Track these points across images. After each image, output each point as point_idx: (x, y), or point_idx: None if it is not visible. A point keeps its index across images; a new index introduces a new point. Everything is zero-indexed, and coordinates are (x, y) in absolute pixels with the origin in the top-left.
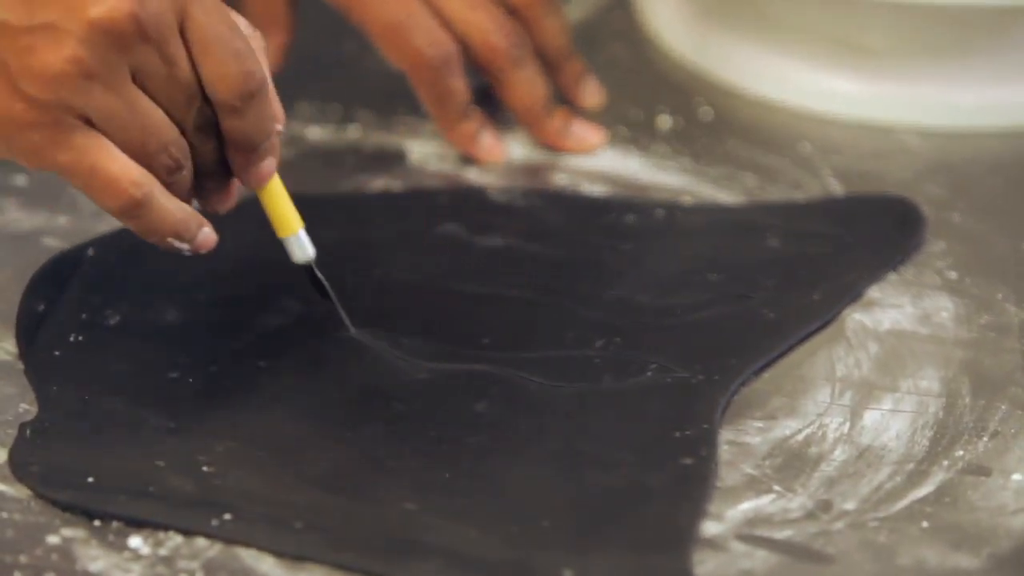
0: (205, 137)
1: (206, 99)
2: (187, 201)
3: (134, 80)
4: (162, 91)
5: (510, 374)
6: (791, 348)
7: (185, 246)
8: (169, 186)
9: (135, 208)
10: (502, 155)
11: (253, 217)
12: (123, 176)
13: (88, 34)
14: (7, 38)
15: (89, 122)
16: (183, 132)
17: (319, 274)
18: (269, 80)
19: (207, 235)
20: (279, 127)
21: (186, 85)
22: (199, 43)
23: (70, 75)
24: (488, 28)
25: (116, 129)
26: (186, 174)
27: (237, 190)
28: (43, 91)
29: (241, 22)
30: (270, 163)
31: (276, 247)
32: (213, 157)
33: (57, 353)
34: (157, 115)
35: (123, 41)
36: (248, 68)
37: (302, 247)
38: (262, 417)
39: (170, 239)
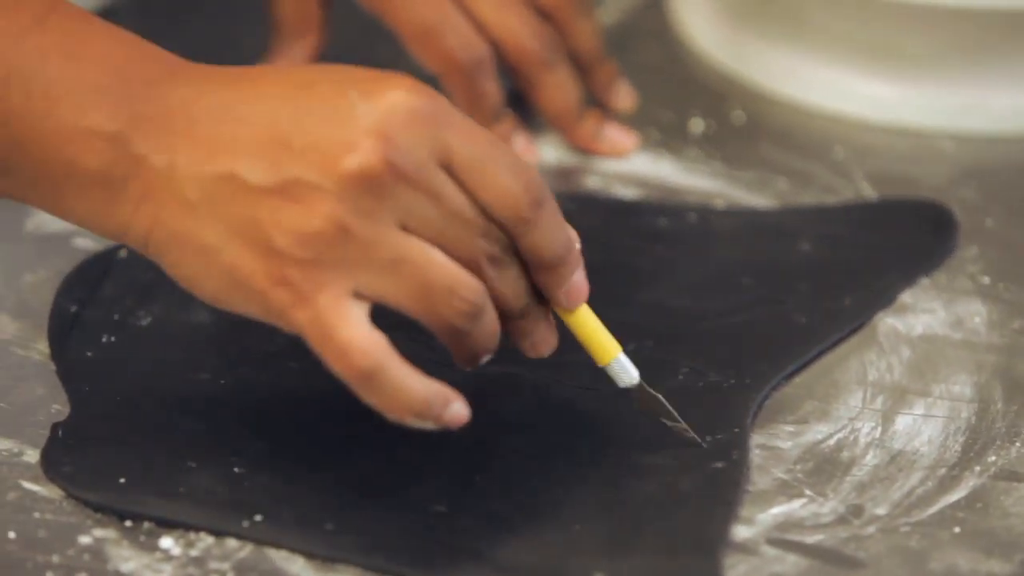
0: (502, 267)
1: (490, 226)
2: (495, 349)
3: (407, 229)
4: (440, 232)
5: (542, 377)
6: (823, 352)
7: (429, 425)
8: (474, 336)
9: (363, 379)
10: (534, 158)
11: None
12: (352, 342)
13: (343, 189)
14: (249, 198)
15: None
16: (478, 271)
17: (654, 392)
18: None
19: (456, 412)
20: (577, 244)
21: (464, 217)
22: (468, 170)
23: (328, 234)
24: (520, 31)
25: (385, 284)
26: (489, 320)
27: (555, 328)
28: (299, 250)
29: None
30: (581, 276)
31: None
32: (517, 289)
33: (89, 354)
34: (435, 260)
35: (382, 191)
36: (528, 177)
37: (625, 370)
38: (293, 419)
39: (409, 418)
